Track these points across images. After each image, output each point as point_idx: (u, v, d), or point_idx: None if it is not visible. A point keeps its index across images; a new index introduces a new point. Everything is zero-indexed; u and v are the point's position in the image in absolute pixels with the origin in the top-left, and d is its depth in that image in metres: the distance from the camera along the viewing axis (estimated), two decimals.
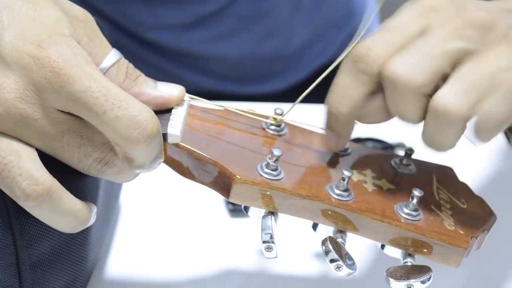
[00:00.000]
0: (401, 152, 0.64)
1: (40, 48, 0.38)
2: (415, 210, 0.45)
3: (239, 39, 0.84)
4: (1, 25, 0.39)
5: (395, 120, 0.46)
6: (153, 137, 0.40)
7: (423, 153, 0.55)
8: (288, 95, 0.81)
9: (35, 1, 0.41)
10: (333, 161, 0.48)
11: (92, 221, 0.43)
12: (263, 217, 0.44)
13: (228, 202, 0.62)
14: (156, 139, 0.40)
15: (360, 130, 0.48)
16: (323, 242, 0.43)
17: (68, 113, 0.40)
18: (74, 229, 0.42)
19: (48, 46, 0.39)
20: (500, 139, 0.73)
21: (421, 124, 0.44)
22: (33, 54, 0.38)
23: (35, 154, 0.40)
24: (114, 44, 0.45)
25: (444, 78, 0.42)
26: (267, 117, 0.49)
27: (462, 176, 0.51)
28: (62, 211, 0.40)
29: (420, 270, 0.43)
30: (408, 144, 0.59)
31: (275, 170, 0.44)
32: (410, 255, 0.45)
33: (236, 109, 0.48)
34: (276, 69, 0.89)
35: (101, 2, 0.81)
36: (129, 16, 0.82)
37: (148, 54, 0.86)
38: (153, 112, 0.40)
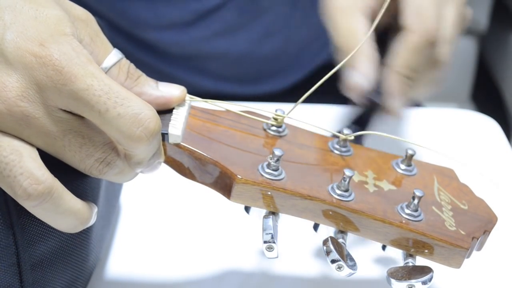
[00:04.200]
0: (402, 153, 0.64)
1: (42, 47, 0.38)
2: (416, 210, 0.45)
3: (239, 37, 0.84)
4: (3, 24, 0.39)
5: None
6: (155, 135, 0.40)
7: (424, 155, 0.55)
8: (287, 95, 0.81)
9: (37, 1, 0.41)
10: (334, 161, 0.48)
11: (92, 221, 0.43)
12: (264, 217, 0.44)
13: None
14: (157, 137, 0.40)
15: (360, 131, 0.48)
16: (324, 243, 0.43)
17: (70, 113, 0.40)
18: (74, 229, 0.42)
19: (50, 45, 0.39)
20: (500, 139, 0.73)
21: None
22: (35, 52, 0.38)
23: (36, 153, 0.40)
24: (113, 46, 0.44)
25: None
26: (268, 118, 0.48)
27: (463, 178, 0.51)
28: (63, 211, 0.40)
29: (421, 271, 0.43)
30: (409, 145, 0.59)
31: (276, 170, 0.44)
32: (411, 255, 0.45)
33: (238, 111, 0.48)
34: (275, 69, 0.89)
35: (100, 2, 0.81)
36: (128, 16, 0.82)
37: (147, 56, 0.86)
38: (154, 110, 0.40)
